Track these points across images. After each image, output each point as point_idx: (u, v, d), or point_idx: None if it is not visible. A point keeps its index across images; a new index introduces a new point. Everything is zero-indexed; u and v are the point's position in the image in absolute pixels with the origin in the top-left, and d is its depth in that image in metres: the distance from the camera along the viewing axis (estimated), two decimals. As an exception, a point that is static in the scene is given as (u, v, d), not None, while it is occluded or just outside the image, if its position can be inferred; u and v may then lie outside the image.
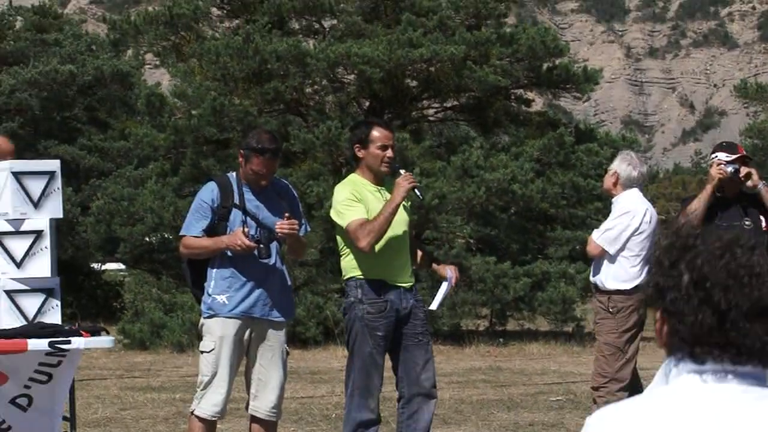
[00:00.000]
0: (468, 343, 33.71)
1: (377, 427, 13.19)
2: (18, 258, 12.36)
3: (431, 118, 42.52)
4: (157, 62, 48.65)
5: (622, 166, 16.04)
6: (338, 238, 13.99)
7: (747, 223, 15.04)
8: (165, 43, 46.20)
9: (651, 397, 3.78)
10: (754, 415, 3.62)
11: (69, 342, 12.07)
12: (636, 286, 14.97)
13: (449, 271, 13.79)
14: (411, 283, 13.22)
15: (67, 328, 12.62)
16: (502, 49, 41.61)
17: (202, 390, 12.90)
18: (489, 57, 41.59)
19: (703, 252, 3.76)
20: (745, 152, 16.74)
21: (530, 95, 43.74)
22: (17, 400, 12.09)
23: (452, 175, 35.88)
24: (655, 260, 3.92)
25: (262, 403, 13.26)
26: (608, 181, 16.03)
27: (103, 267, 56.62)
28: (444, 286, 13.86)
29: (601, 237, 15.24)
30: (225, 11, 44.43)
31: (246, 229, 12.87)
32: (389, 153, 13.14)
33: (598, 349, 15.54)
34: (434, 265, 14.16)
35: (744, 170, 15.70)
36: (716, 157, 15.96)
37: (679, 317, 3.74)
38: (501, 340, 36.37)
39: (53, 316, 12.45)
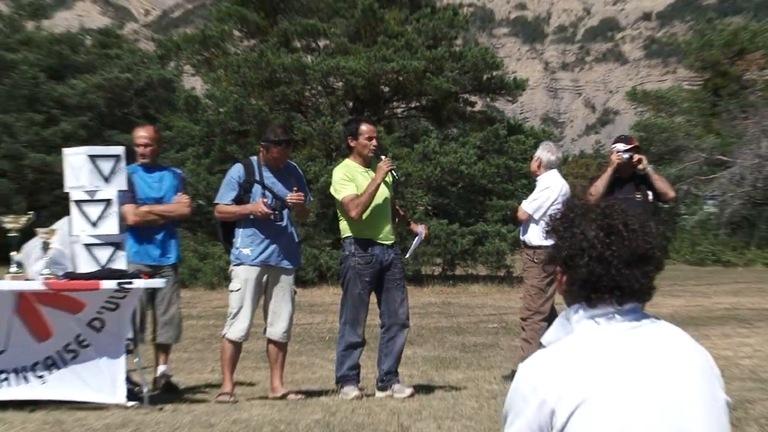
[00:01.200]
0: (426, 284, 34.33)
1: (362, 348, 13.35)
2: (93, 219, 12.49)
3: (399, 116, 43.62)
4: (193, 72, 49.13)
5: (543, 153, 16.32)
6: (337, 207, 14.05)
7: (638, 196, 15.29)
8: (199, 57, 47.46)
9: (562, 345, 4.06)
10: (636, 343, 3.95)
11: (131, 283, 12.20)
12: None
13: (420, 229, 14.09)
14: (392, 241, 13.43)
15: (130, 272, 12.64)
16: (453, 64, 42.54)
17: (231, 319, 13.08)
18: (443, 69, 42.54)
19: (589, 218, 4.10)
20: (637, 143, 16.89)
21: (474, 99, 44.98)
22: (92, 323, 12.23)
23: (415, 158, 36.91)
24: (551, 227, 4.21)
25: (276, 329, 13.39)
26: (533, 164, 16.32)
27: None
28: (416, 240, 14.22)
29: (528, 205, 15.47)
30: (244, 33, 45.54)
31: (265, 200, 13.02)
32: (374, 143, 13.37)
33: (526, 290, 15.73)
34: (411, 225, 14.40)
35: (636, 157, 15.83)
36: (615, 146, 16.11)
37: (575, 270, 4.08)
38: (451, 282, 37.07)
39: (120, 263, 12.58)
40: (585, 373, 3.88)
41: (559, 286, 4.35)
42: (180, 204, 13.62)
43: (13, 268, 12.33)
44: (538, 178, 16.10)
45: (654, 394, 3.88)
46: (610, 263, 4.00)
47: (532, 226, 15.40)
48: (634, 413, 3.81)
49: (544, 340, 4.30)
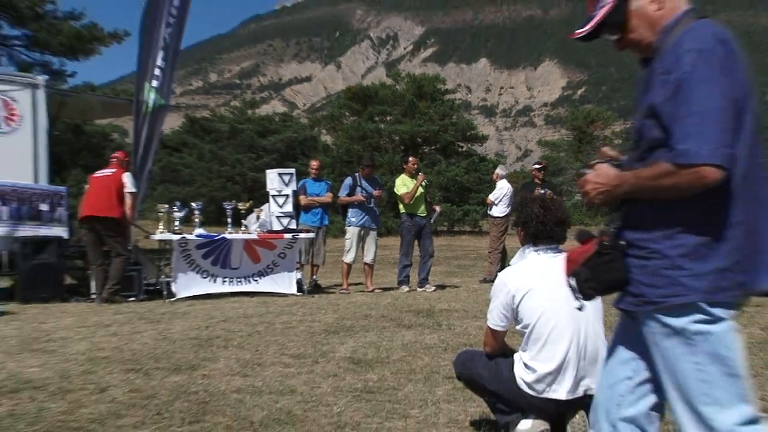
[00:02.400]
0: (439, 235, 33.53)
1: (410, 266, 14.03)
2: (280, 204, 13.35)
3: (426, 153, 44.03)
4: (326, 132, 50.73)
5: (499, 170, 17.19)
6: (397, 198, 14.47)
7: (543, 191, 14.83)
8: (329, 125, 49.50)
9: (521, 264, 4.71)
10: (555, 263, 4.42)
11: (298, 235, 13.32)
12: (506, 215, 16.05)
13: (438, 208, 14.92)
14: (425, 215, 14.05)
15: (296, 229, 13.52)
16: (452, 127, 44.72)
17: (346, 252, 13.72)
18: (447, 130, 44.46)
19: (534, 202, 4.76)
20: (545, 164, 17.61)
21: (462, 144, 45.79)
22: (280, 255, 13.07)
23: (434, 173, 37.64)
24: (516, 208, 5.03)
25: (368, 258, 13.94)
26: (494, 176, 17.15)
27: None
28: (435, 214, 14.72)
29: (491, 196, 16.27)
30: (351, 112, 47.39)
31: (362, 195, 13.90)
32: (414, 165, 14.19)
33: (490, 238, 16.38)
34: (433, 206, 14.77)
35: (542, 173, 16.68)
36: (534, 166, 17.00)
37: (527, 228, 4.71)
38: (451, 234, 38.23)
39: (293, 225, 13.38)
40: (530, 277, 4.57)
41: (519, 237, 4.82)
42: (328, 197, 14.24)
43: (243, 228, 13.27)
44: (496, 183, 16.79)
45: (563, 287, 3.82)
46: (545, 224, 4.65)
47: (494, 207, 16.22)
48: (553, 295, 4.43)
49: (512, 261, 4.89)
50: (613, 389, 3.04)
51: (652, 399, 3.00)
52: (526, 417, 4.53)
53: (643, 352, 2.93)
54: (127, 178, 12.22)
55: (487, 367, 4.73)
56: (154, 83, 13.75)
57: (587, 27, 2.86)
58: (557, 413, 4.48)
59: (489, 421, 4.90)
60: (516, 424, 4.53)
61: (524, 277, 4.56)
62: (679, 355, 2.72)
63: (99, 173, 12.49)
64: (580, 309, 3.95)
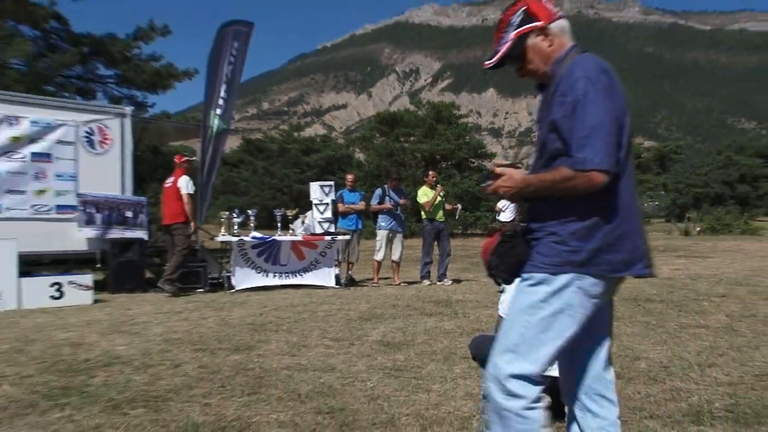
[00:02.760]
0: (455, 237, 32.15)
1: (431, 264, 13.82)
2: (321, 211, 13.45)
3: (443, 168, 42.92)
4: (360, 150, 50.78)
5: None
6: (419, 206, 14.22)
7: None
8: (361, 145, 49.25)
9: None
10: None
11: (335, 238, 13.25)
12: (511, 220, 14.93)
13: (459, 206, 14.79)
14: (443, 220, 13.94)
15: (335, 232, 13.48)
16: (465, 146, 44.60)
17: (377, 251, 13.77)
18: (461, 149, 44.20)
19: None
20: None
21: (473, 160, 45.32)
22: (320, 253, 13.00)
23: (450, 184, 37.15)
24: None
25: (395, 256, 13.82)
26: None
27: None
28: (458, 209, 14.58)
29: (500, 204, 15.81)
30: (380, 134, 46.93)
31: (390, 203, 13.79)
32: (433, 179, 14.10)
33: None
34: (455, 205, 14.56)
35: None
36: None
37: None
38: (465, 236, 37.06)
39: (332, 228, 13.34)
40: None
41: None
42: (361, 205, 13.97)
43: (290, 231, 13.29)
44: None
45: None
46: None
47: (501, 213, 15.82)
48: None
49: None
50: None
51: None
52: (530, 391, 4.50)
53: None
54: (182, 182, 12.22)
55: (498, 349, 4.70)
56: (218, 111, 13.86)
57: (493, 60, 2.98)
58: (556, 388, 4.48)
59: (498, 394, 4.84)
60: (522, 397, 4.51)
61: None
62: (523, 308, 2.88)
63: (167, 182, 12.65)
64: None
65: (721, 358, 6.20)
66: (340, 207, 14.08)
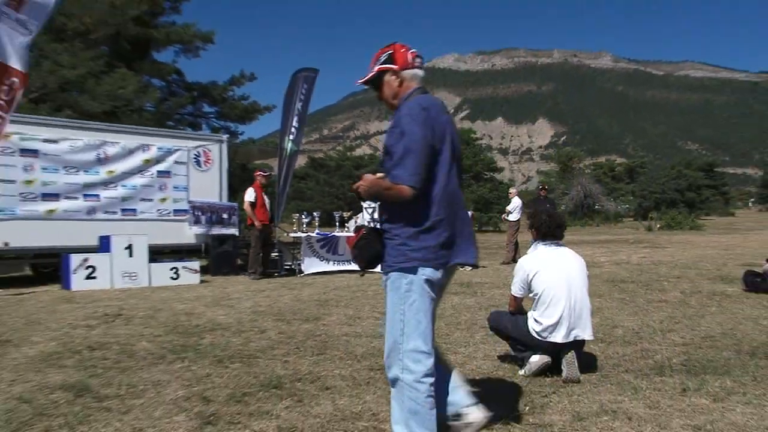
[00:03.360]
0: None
1: None
2: (370, 212, 12.54)
3: (463, 178, 43.52)
4: None
5: (513, 190, 16.45)
6: None
7: (548, 205, 14.77)
8: None
9: (533, 254, 4.56)
10: (561, 253, 4.54)
11: None
12: (518, 219, 15.19)
13: (470, 213, 15.03)
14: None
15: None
16: (481, 163, 44.02)
17: None
18: (478, 165, 43.82)
19: (541, 213, 4.65)
20: (545, 185, 17.03)
21: (486, 173, 45.30)
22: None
23: (469, 194, 37.18)
24: (530, 215, 4.75)
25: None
26: (510, 193, 16.19)
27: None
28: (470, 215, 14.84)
29: (509, 207, 15.50)
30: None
31: None
32: None
33: (508, 235, 15.53)
34: (471, 214, 14.88)
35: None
36: (540, 187, 16.92)
37: (538, 230, 4.58)
38: (481, 232, 36.83)
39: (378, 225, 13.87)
40: (539, 262, 4.46)
41: (532, 235, 4.66)
42: None
43: (346, 229, 13.22)
44: (512, 198, 15.87)
45: (561, 267, 4.44)
46: (550, 227, 4.52)
47: (510, 214, 15.44)
48: (553, 274, 4.40)
49: (529, 251, 4.64)
50: None
51: None
52: (534, 353, 4.48)
53: None
54: (246, 194, 11.97)
55: (510, 321, 4.69)
56: (291, 137, 13.95)
57: (360, 80, 3.13)
58: (555, 351, 4.45)
59: (510, 356, 4.84)
60: (528, 358, 4.50)
61: (535, 262, 4.52)
62: (397, 304, 2.89)
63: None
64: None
65: (677, 324, 6.28)
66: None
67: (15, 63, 8.56)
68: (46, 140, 11.04)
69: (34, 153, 10.93)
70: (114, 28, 20.46)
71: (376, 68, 3.05)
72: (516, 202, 15.82)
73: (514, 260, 14.58)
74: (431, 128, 2.84)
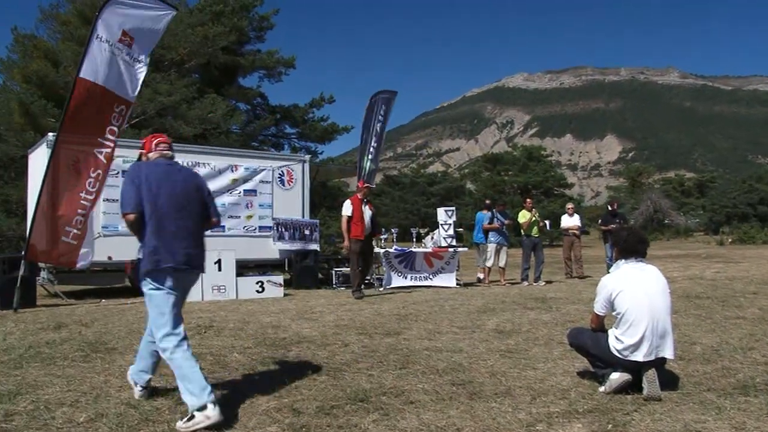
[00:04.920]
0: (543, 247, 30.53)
1: (529, 269, 13.14)
2: (446, 229, 13.12)
3: (534, 194, 41.69)
4: (469, 182, 49.49)
5: (568, 206, 15.50)
6: (519, 225, 13.78)
7: (622, 222, 14.46)
8: (472, 177, 47.31)
9: (617, 272, 4.43)
10: (646, 270, 4.42)
11: (456, 249, 12.74)
12: (572, 234, 14.62)
13: (547, 222, 14.16)
14: (537, 235, 13.36)
15: (455, 245, 12.86)
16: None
17: (488, 260, 13.04)
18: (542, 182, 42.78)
19: (622, 230, 4.60)
20: (617, 200, 16.10)
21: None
22: (445, 262, 12.51)
23: (537, 208, 35.64)
24: (613, 234, 4.74)
25: (501, 263, 13.09)
26: (569, 208, 15.31)
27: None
28: (547, 224, 14.03)
29: (567, 221, 14.88)
30: (485, 169, 45.07)
31: (497, 223, 13.21)
32: (530, 203, 13.54)
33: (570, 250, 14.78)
34: (543, 222, 13.73)
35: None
36: (610, 202, 16.07)
37: (622, 247, 4.45)
38: (552, 247, 34.61)
39: (454, 243, 12.83)
40: (622, 281, 4.34)
41: (615, 254, 4.55)
42: (496, 225, 13.25)
43: (422, 244, 13.09)
44: (570, 213, 15.08)
45: (644, 287, 4.31)
46: (632, 244, 4.42)
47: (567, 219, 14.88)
48: (637, 294, 4.27)
49: (611, 269, 4.55)
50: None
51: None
52: (615, 371, 4.34)
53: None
54: (343, 208, 11.09)
55: (591, 338, 4.58)
56: (370, 156, 14.11)
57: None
58: (636, 369, 4.30)
59: (589, 372, 4.71)
60: (609, 375, 4.36)
61: (618, 280, 4.41)
62: (146, 301, 3.95)
63: None
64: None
65: (757, 342, 5.97)
66: (485, 225, 13.62)
67: (124, 93, 9.07)
68: (145, 162, 11.45)
69: (134, 174, 11.35)
70: (205, 58, 21.27)
71: (139, 151, 4.37)
72: (573, 217, 15.15)
73: (568, 275, 14.27)
74: (137, 175, 4.04)
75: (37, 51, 19.23)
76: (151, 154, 4.21)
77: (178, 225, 3.96)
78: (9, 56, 21.52)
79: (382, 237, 12.40)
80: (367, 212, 10.55)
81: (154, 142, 4.24)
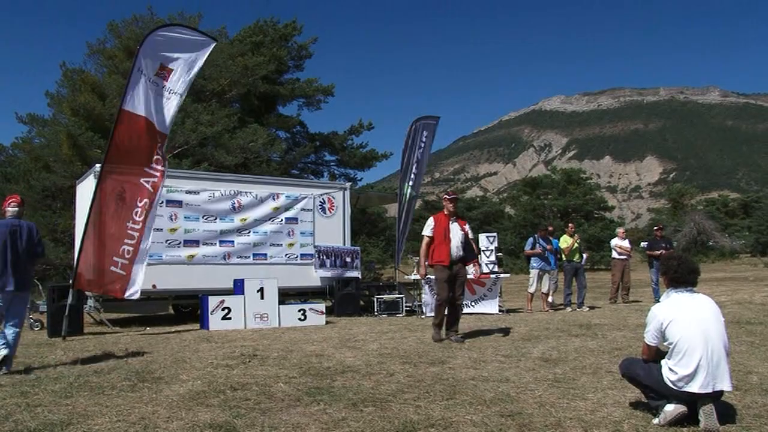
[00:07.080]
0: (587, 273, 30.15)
1: (572, 294, 13.11)
2: (488, 255, 13.08)
3: (574, 217, 40.88)
4: (508, 206, 49.06)
5: (619, 230, 15.47)
6: (561, 251, 13.48)
7: (668, 247, 14.36)
8: (510, 202, 46.89)
9: (668, 301, 4.35)
10: (696, 299, 4.32)
11: (498, 276, 12.72)
12: (620, 259, 14.43)
13: (585, 255, 13.86)
14: (580, 260, 13.25)
15: (498, 271, 12.90)
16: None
17: (530, 285, 12.87)
18: (582, 205, 41.87)
19: (672, 258, 4.46)
20: (661, 225, 15.87)
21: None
22: (487, 289, 12.47)
23: (578, 232, 34.94)
24: (664, 264, 4.51)
25: (544, 289, 12.97)
26: (620, 233, 15.14)
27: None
28: (585, 257, 13.57)
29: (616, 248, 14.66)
30: (524, 193, 44.38)
31: (540, 248, 13.16)
32: (572, 229, 13.38)
33: (611, 275, 14.68)
34: (584, 253, 13.58)
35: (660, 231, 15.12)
36: (656, 228, 15.41)
37: (671, 277, 4.37)
38: (594, 271, 34.55)
39: (497, 270, 12.84)
40: (673, 310, 4.26)
41: (664, 283, 4.46)
42: (539, 249, 13.13)
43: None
44: (622, 238, 14.84)
45: (696, 315, 4.20)
46: (682, 274, 4.36)
47: (614, 252, 14.72)
48: (689, 322, 4.17)
49: (661, 299, 4.46)
50: None
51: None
52: (669, 402, 4.21)
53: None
54: (425, 228, 9.09)
55: (644, 368, 4.44)
56: (410, 183, 14.10)
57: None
58: (692, 401, 4.16)
59: (642, 403, 4.57)
60: (663, 407, 4.23)
61: (669, 310, 4.30)
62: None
63: None
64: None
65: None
66: (527, 251, 13.57)
67: (162, 127, 9.29)
68: (188, 191, 11.72)
69: (178, 203, 11.61)
70: (245, 87, 21.69)
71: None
72: (619, 240, 14.98)
73: (613, 300, 13.99)
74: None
75: (85, 84, 19.86)
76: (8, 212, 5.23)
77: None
78: (58, 90, 22.27)
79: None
80: (457, 232, 8.41)
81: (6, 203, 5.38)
